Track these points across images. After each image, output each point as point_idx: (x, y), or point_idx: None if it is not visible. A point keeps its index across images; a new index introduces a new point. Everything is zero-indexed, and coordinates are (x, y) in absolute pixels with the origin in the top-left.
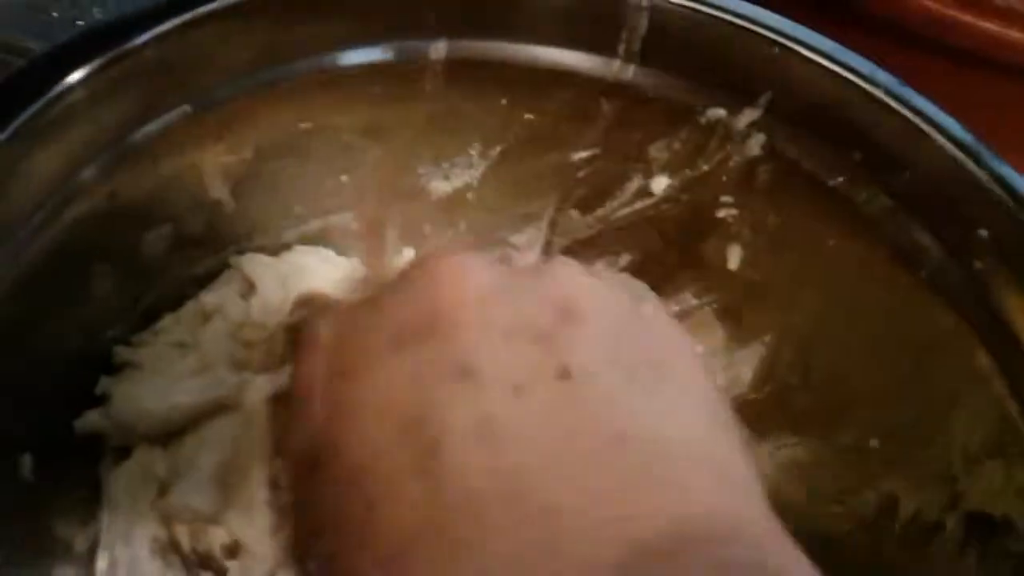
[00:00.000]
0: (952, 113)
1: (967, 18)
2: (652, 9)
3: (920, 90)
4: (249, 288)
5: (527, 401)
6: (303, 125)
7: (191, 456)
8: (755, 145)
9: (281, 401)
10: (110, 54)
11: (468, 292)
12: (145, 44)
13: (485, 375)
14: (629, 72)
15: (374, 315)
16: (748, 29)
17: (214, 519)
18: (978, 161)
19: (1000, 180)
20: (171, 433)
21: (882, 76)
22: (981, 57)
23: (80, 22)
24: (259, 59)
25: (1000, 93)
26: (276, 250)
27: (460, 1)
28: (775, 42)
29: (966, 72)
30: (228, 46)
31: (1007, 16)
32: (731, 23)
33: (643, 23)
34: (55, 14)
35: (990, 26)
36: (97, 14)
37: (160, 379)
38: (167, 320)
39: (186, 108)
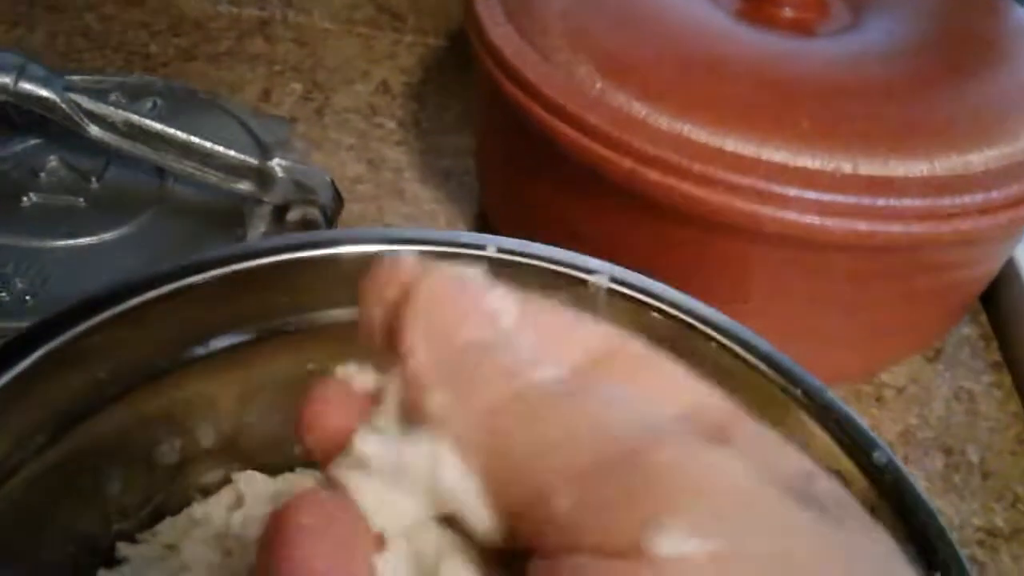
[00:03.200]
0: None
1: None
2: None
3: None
4: (238, 502)
5: None
6: (309, 366)
7: None
8: None
9: None
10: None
11: None
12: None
13: None
14: None
15: None
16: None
17: None
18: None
19: None
20: None
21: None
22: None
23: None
24: (280, 308)
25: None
26: (278, 469)
27: None
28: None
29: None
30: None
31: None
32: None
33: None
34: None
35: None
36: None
37: None
38: (165, 523)
39: (200, 350)
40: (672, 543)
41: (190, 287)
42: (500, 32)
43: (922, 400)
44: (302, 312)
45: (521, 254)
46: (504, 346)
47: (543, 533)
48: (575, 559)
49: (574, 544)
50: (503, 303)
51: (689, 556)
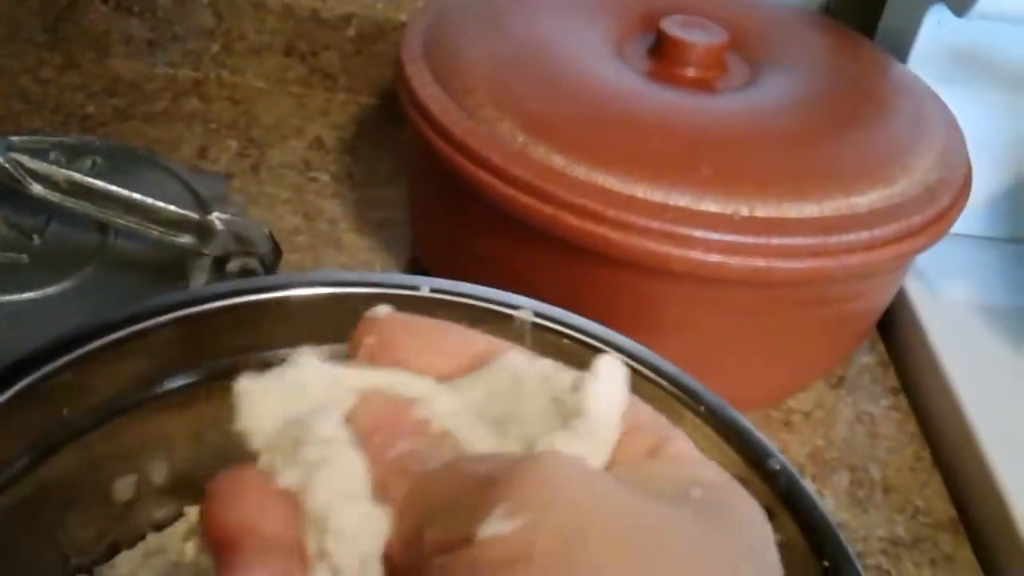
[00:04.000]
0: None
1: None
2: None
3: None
4: (190, 532)
5: None
6: None
7: None
8: None
9: None
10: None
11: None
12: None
13: None
14: None
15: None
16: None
17: None
18: None
19: None
20: None
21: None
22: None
23: None
24: (228, 349)
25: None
26: None
27: None
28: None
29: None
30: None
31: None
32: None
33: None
34: None
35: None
36: None
37: None
38: (122, 556)
39: (155, 390)
40: (488, 528)
41: (146, 330)
42: (428, 92)
43: (827, 423)
44: (251, 352)
45: (452, 293)
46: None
47: (421, 555)
48: (431, 564)
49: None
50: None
51: (501, 534)
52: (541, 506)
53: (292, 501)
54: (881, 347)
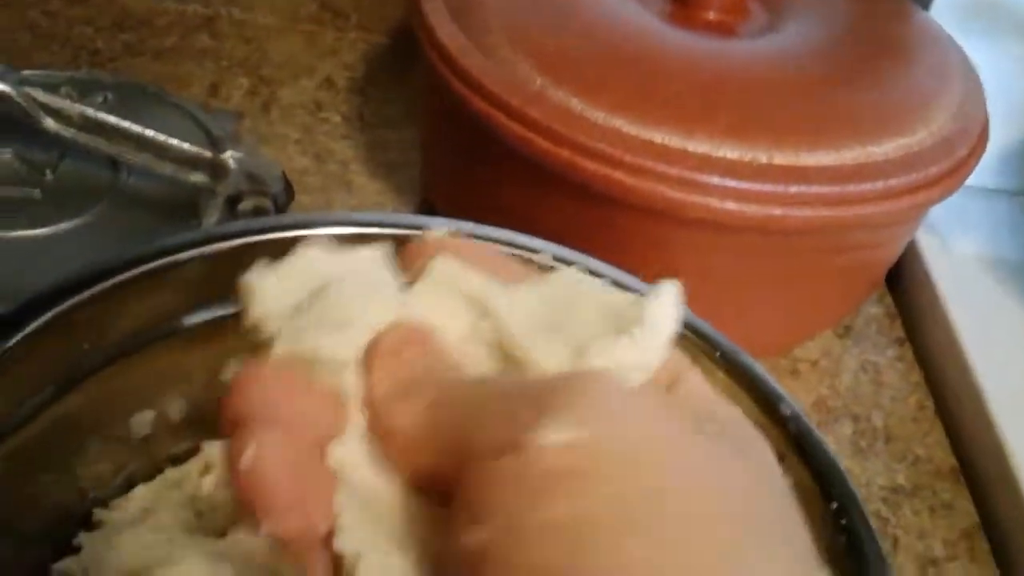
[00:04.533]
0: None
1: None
2: None
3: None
4: (207, 468)
5: None
6: None
7: None
8: None
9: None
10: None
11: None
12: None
13: None
14: None
15: None
16: None
17: None
18: None
19: None
20: None
21: None
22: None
23: None
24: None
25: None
26: None
27: None
28: None
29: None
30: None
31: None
32: None
33: None
34: None
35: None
36: None
37: (125, 538)
38: (139, 489)
39: (175, 325)
40: (542, 437)
41: (169, 266)
42: (446, 31)
43: (833, 372)
44: None
45: (472, 235)
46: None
47: (468, 458)
48: (477, 467)
49: (477, 446)
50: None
51: (556, 444)
52: (600, 421)
53: (308, 386)
54: (889, 299)
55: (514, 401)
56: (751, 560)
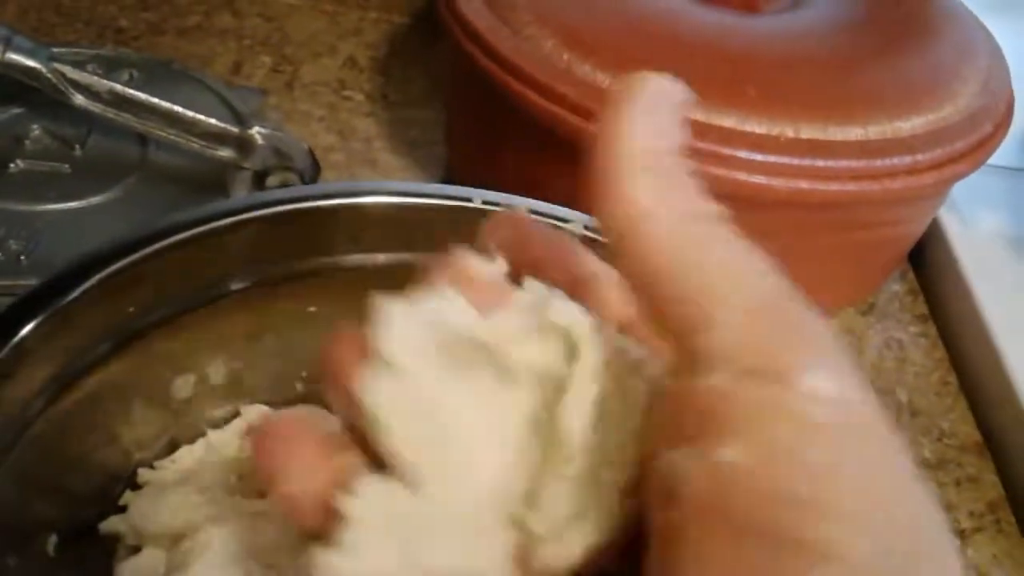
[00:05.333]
0: None
1: None
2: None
3: None
4: (248, 430)
5: None
6: (311, 308)
7: (184, 559)
8: None
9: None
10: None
11: None
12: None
13: None
14: None
15: None
16: None
17: None
18: None
19: None
20: (173, 539)
21: None
22: None
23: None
24: (287, 254)
25: None
26: (281, 404)
27: None
28: None
29: None
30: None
31: None
32: None
33: None
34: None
35: None
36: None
37: (169, 497)
38: (183, 451)
39: (216, 291)
40: (814, 380)
41: (213, 232)
42: (471, 7)
43: (857, 348)
44: (306, 260)
45: (503, 205)
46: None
47: (695, 360)
48: (719, 377)
49: (726, 367)
50: None
51: (821, 394)
52: (853, 382)
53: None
54: (911, 275)
55: (774, 321)
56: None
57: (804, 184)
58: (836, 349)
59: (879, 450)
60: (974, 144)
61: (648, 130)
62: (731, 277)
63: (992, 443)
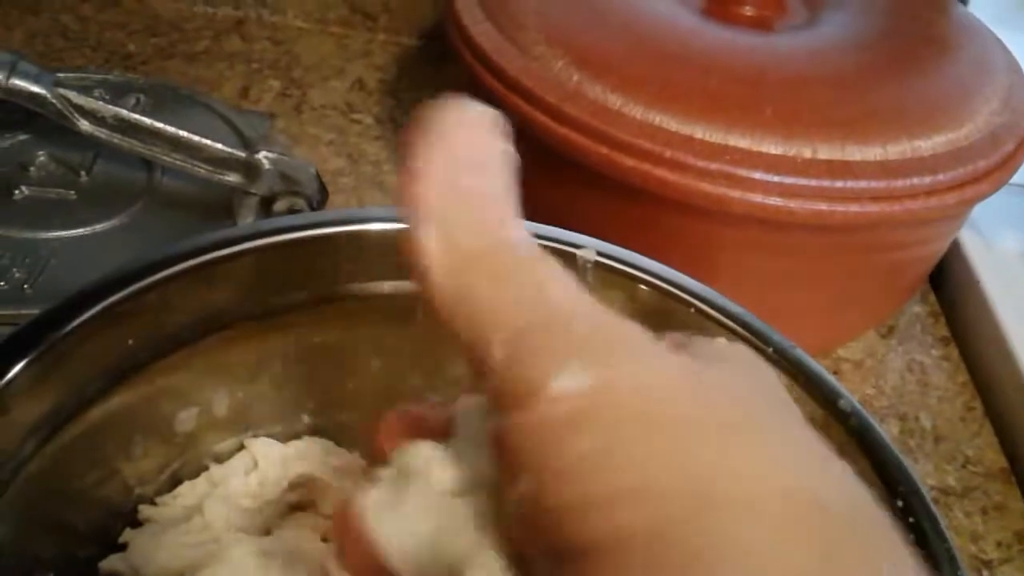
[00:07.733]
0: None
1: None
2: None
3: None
4: (253, 465)
5: None
6: (316, 339)
7: None
8: None
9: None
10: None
11: None
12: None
13: None
14: None
15: None
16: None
17: None
18: None
19: None
20: None
21: None
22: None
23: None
24: (289, 283)
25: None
26: (287, 437)
27: None
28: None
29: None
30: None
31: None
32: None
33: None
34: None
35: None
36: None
37: (170, 535)
38: (185, 486)
39: (221, 320)
40: (561, 383)
41: (215, 261)
42: (480, 29)
43: (878, 372)
44: (310, 289)
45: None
46: (493, 198)
47: (485, 374)
48: (504, 427)
49: (501, 397)
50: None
51: (573, 391)
52: (609, 363)
53: None
54: (932, 297)
55: (535, 337)
56: (767, 427)
57: (823, 206)
58: (595, 346)
59: (642, 426)
60: (996, 163)
61: (441, 163)
62: (493, 313)
63: (1019, 469)
